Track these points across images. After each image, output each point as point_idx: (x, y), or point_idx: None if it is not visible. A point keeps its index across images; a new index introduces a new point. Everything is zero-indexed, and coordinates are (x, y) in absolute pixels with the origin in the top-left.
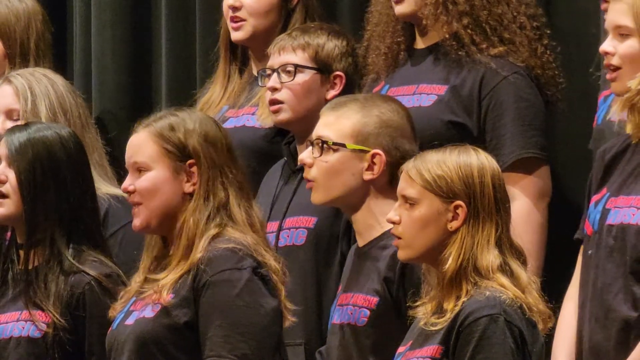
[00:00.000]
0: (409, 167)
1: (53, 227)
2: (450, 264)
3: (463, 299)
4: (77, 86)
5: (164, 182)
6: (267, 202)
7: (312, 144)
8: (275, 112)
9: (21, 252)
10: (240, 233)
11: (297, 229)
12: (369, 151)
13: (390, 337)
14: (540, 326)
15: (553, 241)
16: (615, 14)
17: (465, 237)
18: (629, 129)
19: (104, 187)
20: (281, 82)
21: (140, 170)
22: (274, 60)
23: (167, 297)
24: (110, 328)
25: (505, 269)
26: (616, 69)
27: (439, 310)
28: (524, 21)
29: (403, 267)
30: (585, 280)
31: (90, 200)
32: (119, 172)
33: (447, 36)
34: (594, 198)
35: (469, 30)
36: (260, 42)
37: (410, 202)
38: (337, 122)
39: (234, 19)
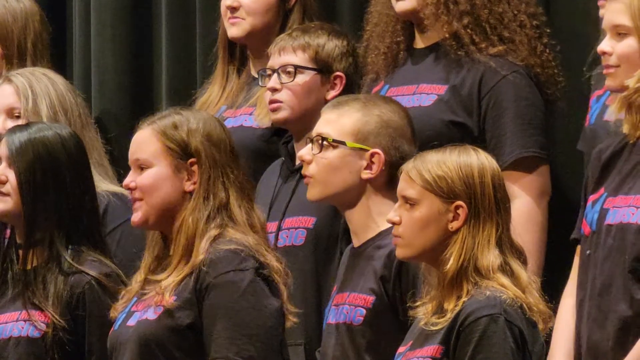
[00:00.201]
0: (409, 167)
1: (52, 228)
2: (451, 264)
3: (463, 298)
4: (76, 86)
5: (164, 179)
6: (265, 202)
7: (311, 141)
8: (274, 110)
9: (20, 252)
10: (241, 234)
11: (296, 229)
12: (368, 150)
13: (386, 336)
14: (540, 326)
15: (553, 241)
16: (613, 14)
17: (466, 237)
18: (625, 129)
19: (105, 185)
20: (281, 83)
21: (142, 167)
22: (274, 61)
23: (169, 299)
24: (112, 328)
25: (505, 268)
26: (614, 68)
27: (440, 310)
28: (524, 19)
29: (399, 266)
30: (583, 280)
31: (90, 201)
32: (119, 171)
33: (447, 36)
34: (591, 198)
35: (468, 30)
36: (257, 42)
37: (410, 202)
38: (338, 120)
39: (232, 19)
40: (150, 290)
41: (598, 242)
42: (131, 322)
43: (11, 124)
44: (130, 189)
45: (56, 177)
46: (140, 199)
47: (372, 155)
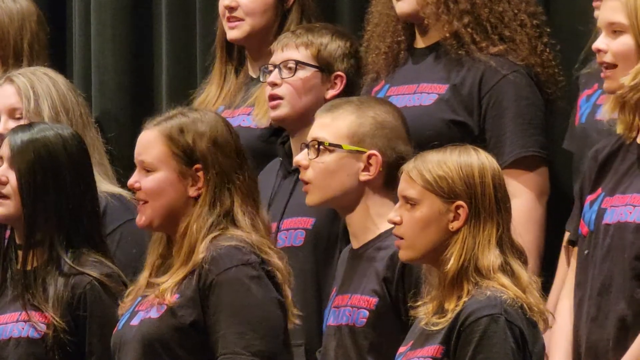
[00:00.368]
0: (409, 167)
1: (52, 230)
2: (451, 264)
3: (464, 299)
4: (76, 86)
5: (168, 184)
6: (263, 202)
7: (307, 146)
8: (274, 107)
9: (20, 253)
10: (243, 231)
11: (295, 230)
12: (365, 152)
13: (389, 338)
14: (541, 326)
15: (552, 241)
16: (609, 11)
17: (466, 237)
18: (619, 129)
19: (104, 186)
20: (282, 78)
21: (146, 168)
22: (277, 57)
23: (171, 298)
24: (116, 328)
25: (506, 268)
26: (609, 66)
27: (440, 310)
28: (524, 19)
29: (402, 268)
30: (582, 280)
31: (90, 202)
32: (119, 171)
33: (447, 35)
34: (589, 198)
35: (469, 29)
36: (256, 42)
37: (411, 202)
38: (333, 124)
39: (230, 19)
40: (152, 292)
41: (596, 242)
42: (134, 321)
43: (13, 124)
44: (135, 189)
45: (56, 177)
46: (145, 201)
47: (369, 157)
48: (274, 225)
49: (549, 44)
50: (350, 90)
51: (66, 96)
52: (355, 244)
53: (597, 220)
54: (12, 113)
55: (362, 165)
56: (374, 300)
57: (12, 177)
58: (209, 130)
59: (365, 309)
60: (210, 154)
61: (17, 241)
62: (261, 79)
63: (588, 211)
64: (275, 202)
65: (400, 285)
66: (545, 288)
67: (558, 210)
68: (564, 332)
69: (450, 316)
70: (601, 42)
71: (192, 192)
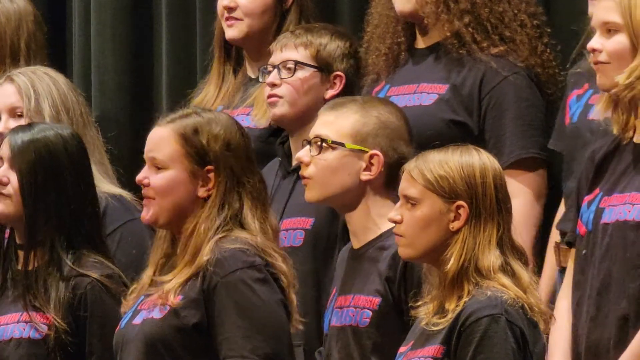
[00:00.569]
0: (410, 167)
1: (53, 230)
2: (452, 264)
3: (465, 299)
4: (76, 86)
5: (179, 183)
6: None
7: (309, 142)
8: (273, 104)
9: (20, 253)
10: (248, 233)
11: (294, 230)
12: (367, 151)
13: (392, 337)
14: (541, 326)
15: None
16: (603, 11)
17: (467, 238)
18: (615, 130)
19: (104, 186)
20: (281, 78)
21: (156, 165)
22: (276, 57)
23: (175, 299)
24: (118, 326)
25: (506, 269)
26: (603, 64)
27: (441, 310)
28: (524, 19)
29: (404, 267)
30: (580, 279)
31: (90, 202)
32: (119, 170)
33: (448, 34)
34: (587, 198)
35: (470, 29)
36: (254, 43)
37: (412, 202)
38: (336, 122)
39: (229, 20)
40: (156, 292)
41: (595, 242)
42: (137, 320)
43: (14, 124)
44: (143, 185)
45: (57, 178)
46: (152, 198)
47: (372, 156)
48: None
49: (549, 44)
50: (350, 90)
51: (67, 95)
52: (356, 243)
53: (595, 220)
54: (12, 112)
55: (363, 164)
56: (377, 300)
57: (12, 177)
58: (223, 132)
59: (368, 309)
60: (223, 156)
61: (18, 241)
62: (260, 80)
63: (586, 211)
64: (274, 202)
65: (402, 285)
66: None
67: (555, 210)
68: (563, 332)
69: (450, 316)
70: (596, 41)
71: (201, 192)
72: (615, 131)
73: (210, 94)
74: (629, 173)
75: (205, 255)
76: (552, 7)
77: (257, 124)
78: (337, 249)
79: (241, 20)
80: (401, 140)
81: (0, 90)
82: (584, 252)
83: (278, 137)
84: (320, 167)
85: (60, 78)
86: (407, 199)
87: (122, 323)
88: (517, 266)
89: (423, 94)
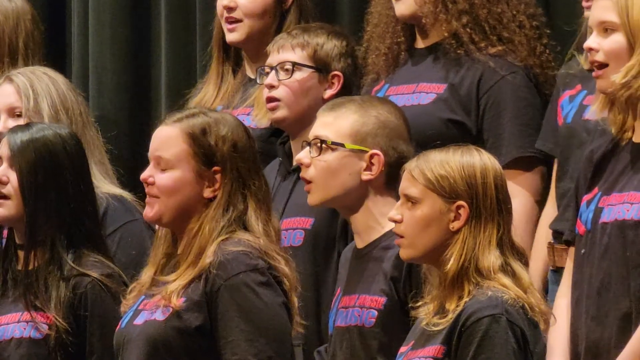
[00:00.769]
0: (411, 166)
1: (53, 230)
2: (451, 264)
3: (465, 299)
4: (75, 86)
5: (185, 183)
6: None
7: (309, 144)
8: (272, 109)
9: (20, 253)
10: (251, 235)
11: (294, 230)
12: (367, 151)
13: (398, 337)
14: (542, 326)
15: None
16: (600, 11)
17: (467, 238)
18: (613, 130)
19: (105, 186)
20: (279, 80)
21: (162, 165)
22: (273, 58)
23: (177, 301)
24: (118, 326)
25: (506, 269)
26: (601, 65)
27: (441, 311)
28: (523, 20)
29: (409, 266)
30: (579, 279)
31: (90, 202)
32: (119, 170)
33: (446, 35)
34: (585, 198)
35: (468, 29)
36: (254, 44)
37: (412, 201)
38: (335, 122)
39: (229, 20)
40: (158, 292)
41: (594, 241)
42: (138, 320)
43: (13, 124)
44: (148, 184)
45: (57, 177)
46: (157, 197)
47: (372, 156)
48: None
49: (548, 45)
50: (348, 89)
51: (66, 95)
52: (360, 243)
53: (594, 220)
54: (11, 112)
55: (364, 164)
56: (382, 299)
57: (12, 176)
58: (231, 133)
59: (374, 309)
60: (230, 157)
61: (18, 241)
62: (258, 81)
63: (585, 211)
64: (275, 202)
65: (407, 284)
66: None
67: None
68: (562, 331)
69: (451, 316)
70: (593, 41)
71: (207, 193)
72: (613, 131)
73: (209, 94)
74: (627, 172)
75: (208, 257)
76: (552, 9)
77: (257, 124)
78: (337, 249)
79: (241, 21)
80: (400, 139)
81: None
82: (582, 251)
83: (279, 137)
84: (320, 169)
85: (59, 78)
86: (408, 198)
87: (123, 323)
88: (517, 266)
89: (422, 93)
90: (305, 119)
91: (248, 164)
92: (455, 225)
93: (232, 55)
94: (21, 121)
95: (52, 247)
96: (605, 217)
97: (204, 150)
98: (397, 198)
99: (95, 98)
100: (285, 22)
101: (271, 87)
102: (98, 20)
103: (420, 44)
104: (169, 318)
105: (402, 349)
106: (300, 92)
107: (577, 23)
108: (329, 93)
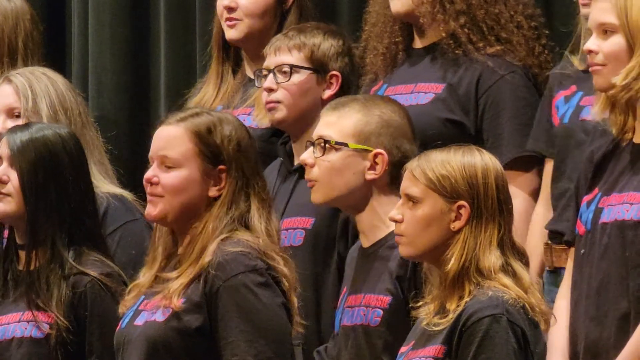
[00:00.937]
0: (412, 166)
1: (54, 228)
2: (452, 264)
3: (466, 299)
4: (75, 86)
5: (192, 183)
6: None
7: (312, 144)
8: (271, 109)
9: (21, 253)
10: (251, 236)
11: (294, 230)
12: (371, 151)
13: (403, 337)
14: (542, 327)
15: None
16: (599, 12)
17: (467, 238)
18: (615, 132)
19: (105, 186)
20: (277, 83)
21: (167, 164)
22: (270, 61)
23: (177, 302)
24: (119, 326)
25: (507, 269)
26: (600, 66)
27: (442, 311)
28: (521, 20)
29: (415, 265)
30: (579, 279)
31: (90, 201)
32: (119, 170)
33: (444, 35)
34: (586, 198)
35: (465, 29)
36: (254, 44)
37: (413, 200)
38: (339, 122)
39: (229, 20)
40: (159, 290)
41: (593, 241)
42: (139, 321)
43: (11, 124)
44: (152, 183)
45: (58, 176)
46: (161, 196)
47: (376, 155)
48: None
49: (547, 45)
50: (346, 88)
51: (65, 95)
52: (365, 242)
53: (594, 220)
54: (10, 112)
55: (368, 164)
56: (388, 299)
57: (12, 175)
58: (235, 132)
59: (379, 308)
60: (235, 157)
61: (18, 241)
62: (256, 84)
63: (585, 211)
64: (275, 202)
65: (412, 283)
66: None
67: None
68: (562, 332)
69: (451, 316)
70: (592, 43)
71: (212, 192)
72: (614, 132)
73: (209, 94)
74: (627, 173)
75: (207, 256)
76: (552, 9)
77: (259, 124)
78: (337, 249)
79: (241, 20)
80: (404, 139)
81: None
82: (582, 251)
83: (280, 137)
84: (324, 169)
85: (58, 78)
86: (409, 197)
87: (123, 323)
88: (518, 266)
89: (420, 93)
90: (305, 120)
91: (251, 164)
92: (456, 225)
93: (232, 55)
94: (20, 122)
95: (52, 246)
96: (605, 218)
97: (210, 149)
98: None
99: (95, 98)
100: (285, 23)
101: (270, 90)
102: (98, 20)
103: (418, 44)
104: (169, 319)
105: (403, 349)
106: (299, 94)
107: (574, 24)
108: (327, 93)
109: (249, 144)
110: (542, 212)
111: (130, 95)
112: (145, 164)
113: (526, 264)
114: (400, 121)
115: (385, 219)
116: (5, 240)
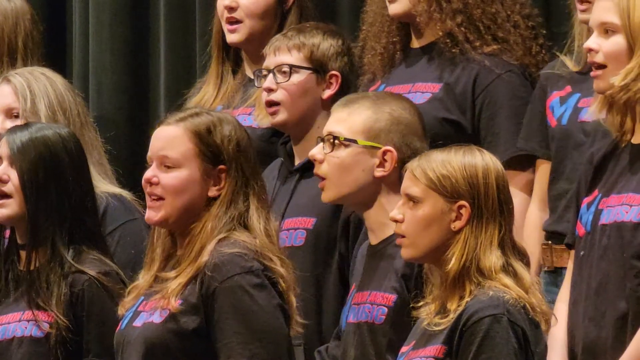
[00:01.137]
0: (413, 166)
1: (54, 228)
2: (453, 264)
3: (466, 299)
4: (75, 86)
5: (192, 183)
6: None
7: (322, 140)
8: (272, 113)
9: (22, 253)
10: (248, 236)
11: (295, 230)
12: (380, 148)
13: (407, 335)
14: (543, 327)
15: None
16: (601, 11)
17: (468, 238)
18: (612, 132)
19: (104, 186)
20: (277, 83)
21: (168, 165)
22: (270, 61)
23: (175, 303)
24: (119, 327)
25: (508, 269)
26: (599, 66)
27: (442, 310)
28: (518, 20)
29: (421, 265)
30: (578, 280)
31: (90, 200)
32: (118, 170)
33: (440, 34)
34: (586, 200)
35: (462, 29)
36: (254, 44)
37: (414, 200)
38: (349, 118)
39: (229, 20)
40: (158, 290)
41: (593, 243)
42: (137, 322)
43: (10, 124)
44: (151, 184)
45: (58, 176)
46: (162, 198)
47: (385, 152)
48: None
49: (545, 45)
50: (346, 88)
51: (64, 96)
52: (374, 240)
53: (593, 221)
54: (9, 113)
55: (377, 161)
56: (393, 297)
57: (13, 175)
58: (234, 132)
59: (384, 305)
60: (235, 157)
61: (19, 241)
62: (256, 84)
63: (585, 213)
64: (276, 202)
65: (418, 282)
66: None
67: None
68: (561, 334)
69: (452, 316)
70: (593, 41)
71: (212, 192)
72: (613, 135)
73: (209, 94)
74: (626, 174)
75: (205, 255)
76: (550, 9)
77: (259, 124)
78: (338, 249)
79: (242, 21)
80: (415, 136)
81: None
82: (582, 253)
83: (280, 137)
84: (333, 165)
85: (57, 78)
86: (409, 197)
87: (123, 324)
88: (519, 266)
89: (417, 93)
90: (305, 120)
91: (250, 164)
92: (457, 225)
93: (232, 56)
94: (18, 122)
95: (52, 245)
96: (605, 219)
97: (210, 149)
98: None
99: (95, 98)
100: (285, 23)
101: (269, 90)
102: (98, 20)
103: (415, 43)
104: (166, 321)
105: (404, 349)
106: (299, 94)
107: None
108: (327, 93)
109: (248, 144)
110: (537, 213)
111: (130, 95)
112: (145, 165)
113: (527, 264)
114: (411, 119)
115: None
116: (6, 241)
